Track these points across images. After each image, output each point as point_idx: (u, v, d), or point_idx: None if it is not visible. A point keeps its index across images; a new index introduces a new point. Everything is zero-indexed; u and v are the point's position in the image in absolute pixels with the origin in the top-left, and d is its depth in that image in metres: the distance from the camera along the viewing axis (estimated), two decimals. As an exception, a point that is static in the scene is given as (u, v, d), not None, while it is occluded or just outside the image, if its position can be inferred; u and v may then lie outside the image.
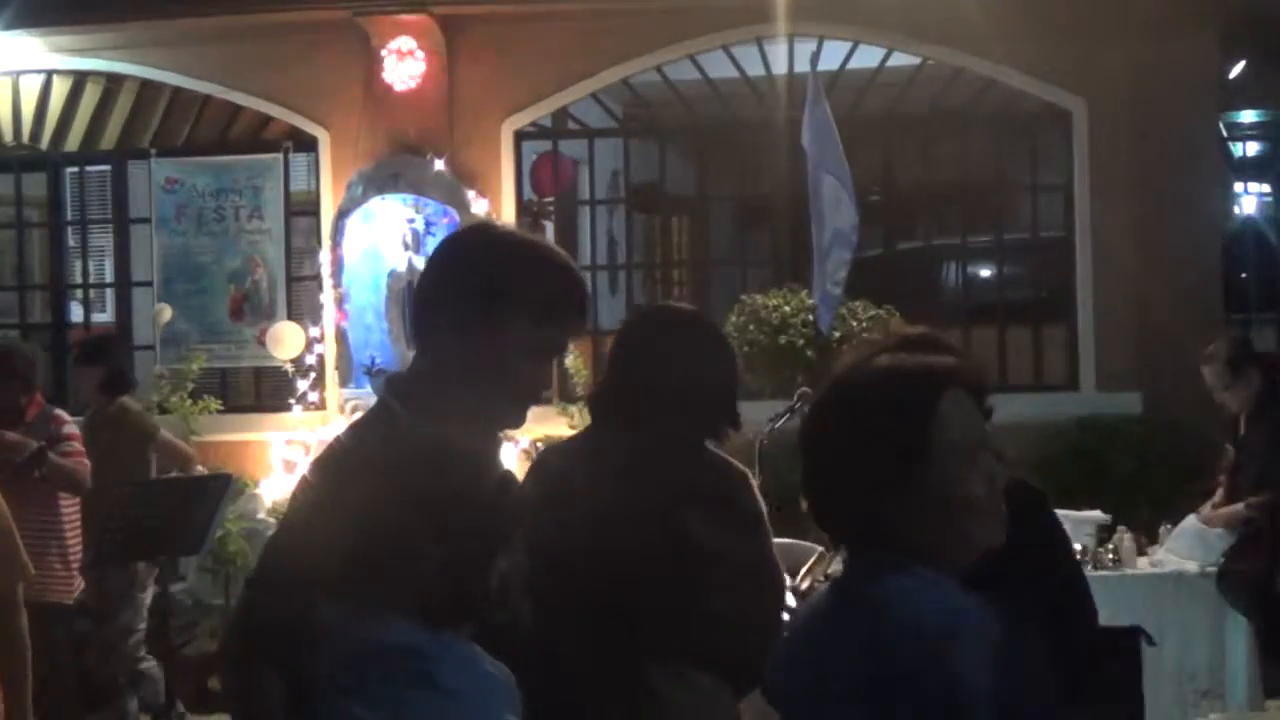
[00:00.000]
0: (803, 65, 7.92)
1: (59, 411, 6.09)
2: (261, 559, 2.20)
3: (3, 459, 5.63)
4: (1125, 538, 6.05)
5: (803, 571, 4.12)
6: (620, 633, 2.58)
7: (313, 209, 8.83)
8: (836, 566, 3.62)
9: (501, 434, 2.32)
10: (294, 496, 2.22)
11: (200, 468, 6.91)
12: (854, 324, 7.46)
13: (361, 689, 1.89)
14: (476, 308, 2.14)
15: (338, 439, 2.20)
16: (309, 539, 2.01)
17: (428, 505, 1.91)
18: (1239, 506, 5.82)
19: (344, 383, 8.32)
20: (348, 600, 1.93)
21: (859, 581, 1.78)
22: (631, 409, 2.75)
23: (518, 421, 2.21)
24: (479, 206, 8.26)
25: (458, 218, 8.16)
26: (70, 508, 5.89)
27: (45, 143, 9.24)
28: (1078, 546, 5.43)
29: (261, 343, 8.53)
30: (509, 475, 2.08)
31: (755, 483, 2.87)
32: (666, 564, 2.59)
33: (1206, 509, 5.97)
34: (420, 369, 2.22)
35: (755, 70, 8.53)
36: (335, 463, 2.13)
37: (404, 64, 8.31)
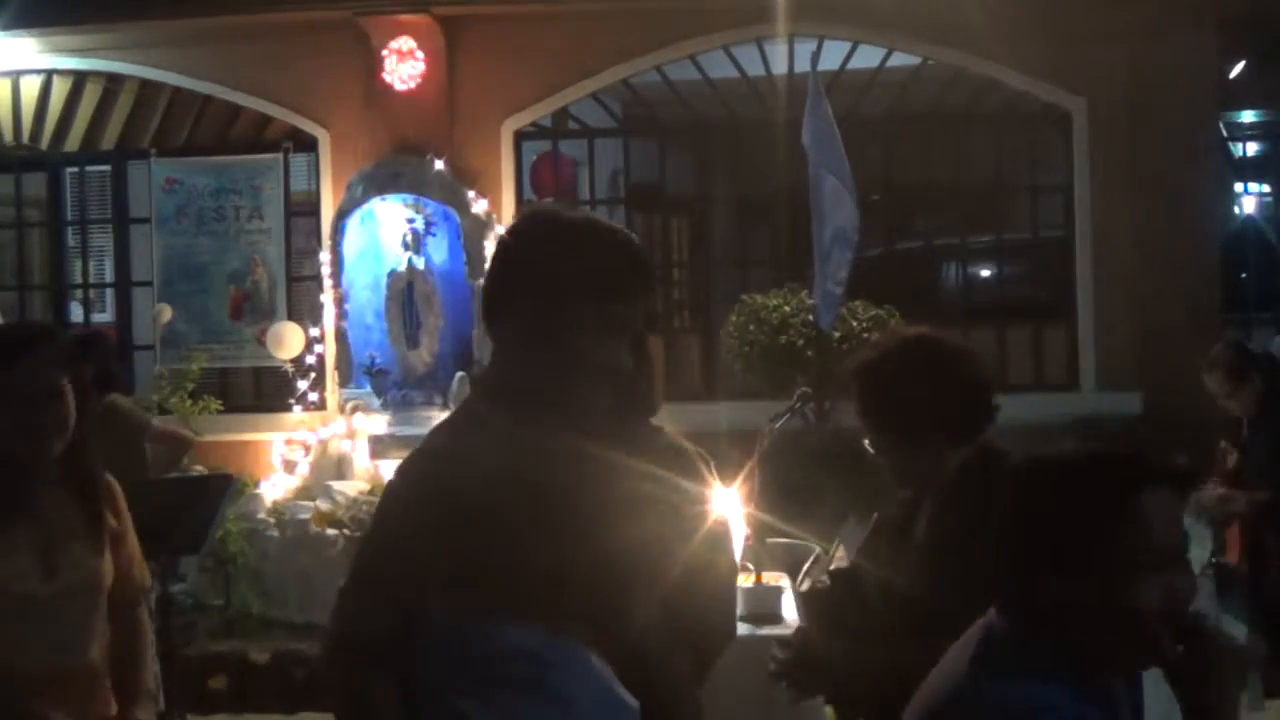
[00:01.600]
0: (803, 65, 7.92)
1: None
2: (359, 562, 2.14)
3: None
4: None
5: (802, 572, 4.13)
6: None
7: (313, 209, 8.84)
8: (840, 562, 3.61)
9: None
10: (387, 500, 2.18)
11: (199, 467, 6.90)
12: (854, 324, 7.46)
13: (475, 692, 1.85)
14: (542, 296, 2.11)
15: (430, 442, 2.17)
16: (418, 542, 1.98)
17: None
18: (1237, 494, 5.84)
19: (344, 383, 8.31)
20: (462, 602, 1.88)
21: (990, 664, 1.71)
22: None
23: (604, 402, 2.15)
24: (479, 206, 8.27)
25: (458, 218, 8.17)
26: None
27: (45, 143, 9.24)
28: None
29: (261, 343, 8.53)
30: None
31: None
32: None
33: (1208, 491, 5.94)
34: (500, 365, 2.19)
35: (755, 70, 8.53)
36: (432, 465, 2.10)
37: (404, 64, 8.32)
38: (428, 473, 2.09)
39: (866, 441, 2.76)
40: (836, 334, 7.31)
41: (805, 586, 3.89)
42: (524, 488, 1.95)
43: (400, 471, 2.14)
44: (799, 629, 2.98)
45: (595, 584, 1.95)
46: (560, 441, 2.01)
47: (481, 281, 8.06)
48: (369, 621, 2.03)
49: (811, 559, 4.16)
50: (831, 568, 3.32)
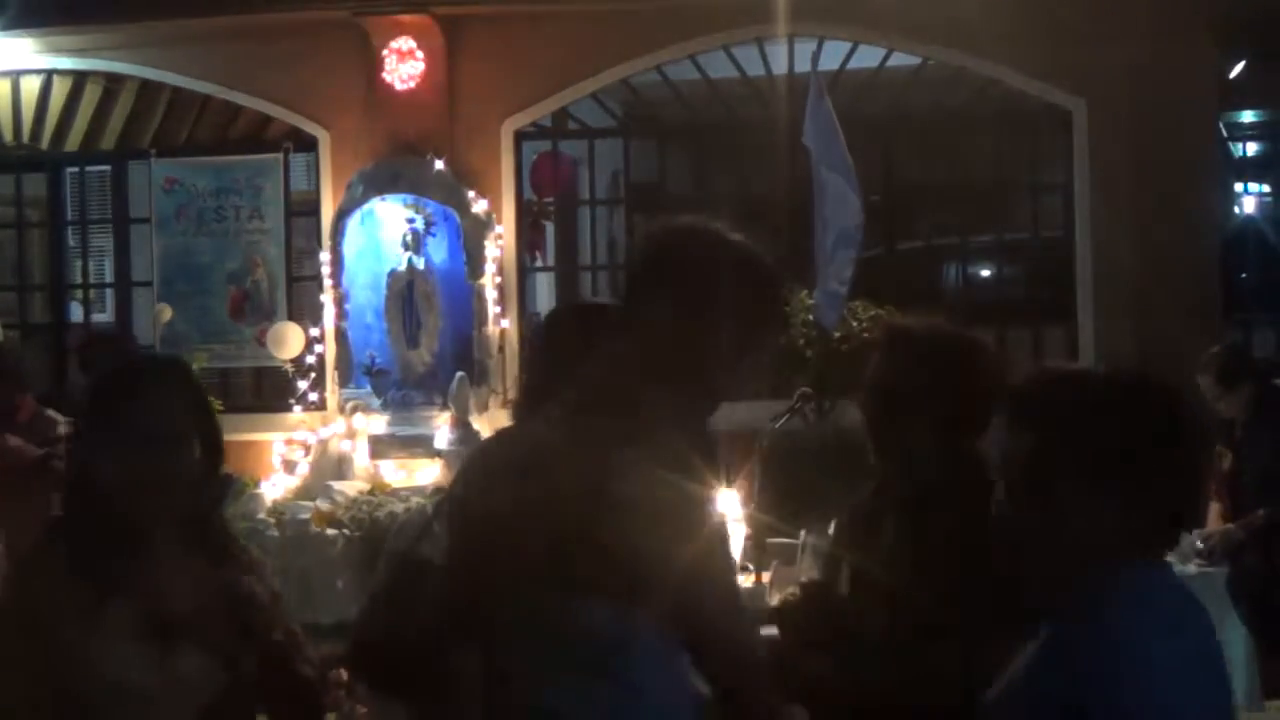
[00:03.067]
0: (803, 65, 7.92)
1: (50, 413, 6.08)
2: (451, 546, 2.19)
3: (7, 464, 5.62)
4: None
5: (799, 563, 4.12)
6: None
7: (313, 209, 8.84)
8: (810, 571, 3.59)
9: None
10: (474, 484, 2.20)
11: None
12: (854, 324, 7.46)
13: (552, 677, 1.85)
14: (688, 310, 2.12)
15: (535, 430, 2.23)
16: (507, 527, 2.00)
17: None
18: (1232, 529, 5.87)
19: (344, 383, 8.31)
20: (545, 587, 1.89)
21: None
22: None
23: (706, 419, 2.19)
24: (479, 206, 8.27)
25: (458, 218, 8.17)
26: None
27: (45, 143, 9.24)
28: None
29: (261, 343, 8.53)
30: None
31: None
32: None
33: (1212, 519, 5.95)
34: (621, 366, 2.19)
35: (755, 70, 8.53)
36: (527, 455, 2.14)
37: (404, 64, 8.32)
38: (516, 463, 2.13)
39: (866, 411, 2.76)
40: (837, 334, 7.31)
41: (775, 600, 3.83)
42: (601, 494, 1.95)
43: (483, 452, 2.16)
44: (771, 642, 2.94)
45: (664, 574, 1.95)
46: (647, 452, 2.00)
47: (482, 281, 8.15)
48: (459, 600, 2.07)
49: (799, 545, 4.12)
50: (802, 579, 3.27)
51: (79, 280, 9.61)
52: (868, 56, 8.43)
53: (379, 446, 7.85)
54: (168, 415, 2.25)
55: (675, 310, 2.13)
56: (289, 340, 8.37)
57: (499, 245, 8.39)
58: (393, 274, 8.20)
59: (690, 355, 2.12)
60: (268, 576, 2.38)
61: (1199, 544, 5.84)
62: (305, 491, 7.68)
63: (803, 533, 4.01)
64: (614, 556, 1.88)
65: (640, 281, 2.22)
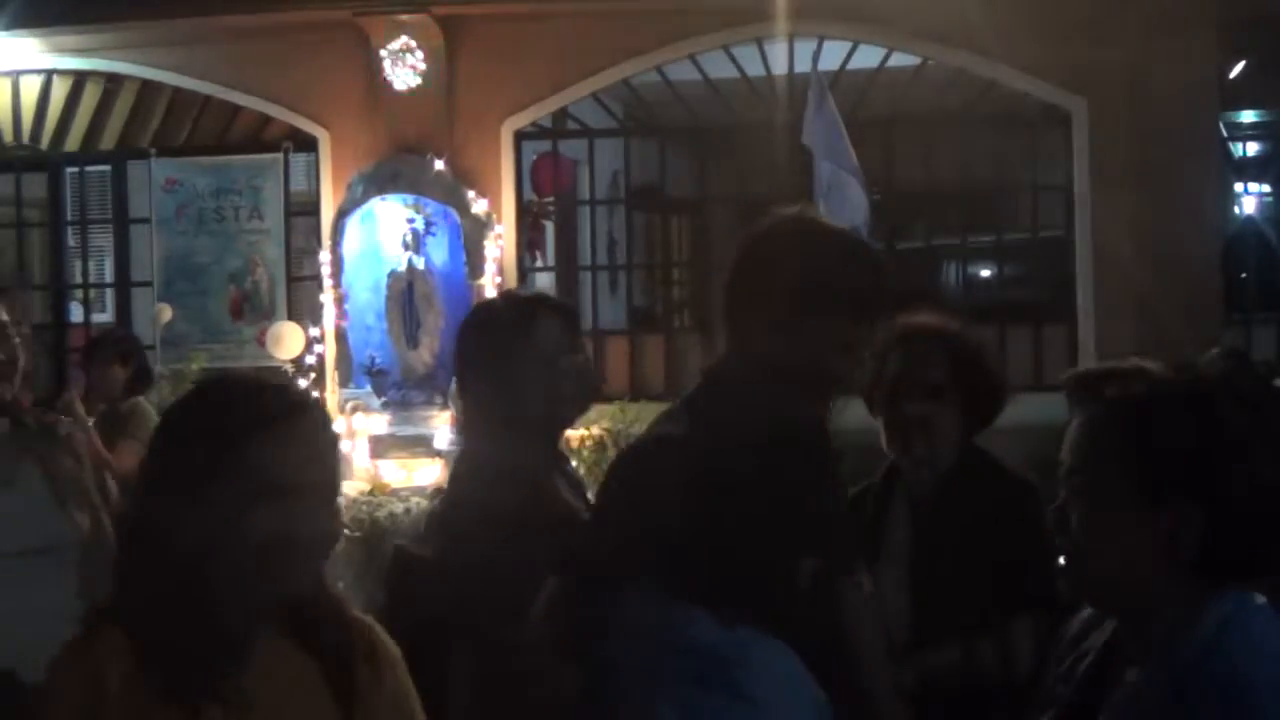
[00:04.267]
0: (803, 65, 7.92)
1: (51, 413, 6.07)
2: (576, 549, 2.17)
3: None
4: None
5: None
6: None
7: (313, 209, 8.84)
8: None
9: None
10: (604, 486, 2.20)
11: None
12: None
13: (661, 686, 1.79)
14: (794, 303, 2.14)
15: (653, 432, 2.21)
16: (620, 530, 1.98)
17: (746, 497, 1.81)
18: None
19: (344, 383, 8.31)
20: (656, 592, 1.84)
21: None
22: None
23: (817, 413, 2.20)
24: (479, 206, 8.27)
25: (458, 218, 8.17)
26: None
27: (45, 143, 9.24)
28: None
29: (261, 343, 8.53)
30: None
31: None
32: None
33: None
34: (731, 363, 2.21)
35: (755, 70, 8.53)
36: (645, 453, 2.13)
37: (404, 64, 8.31)
38: (634, 463, 2.12)
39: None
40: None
41: None
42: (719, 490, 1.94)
43: (624, 462, 2.16)
44: None
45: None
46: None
47: (481, 281, 8.15)
48: (574, 603, 2.04)
49: None
50: None
51: (79, 280, 9.61)
52: (868, 56, 8.44)
53: (379, 446, 7.86)
54: (317, 461, 1.68)
55: (789, 308, 2.14)
56: (289, 340, 8.37)
57: (499, 245, 8.39)
58: (393, 274, 8.20)
59: (807, 351, 2.14)
60: (385, 651, 1.82)
61: None
62: (305, 491, 7.67)
63: None
64: (731, 565, 1.86)
65: (744, 281, 2.24)
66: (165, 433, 1.73)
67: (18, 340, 2.86)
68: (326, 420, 1.75)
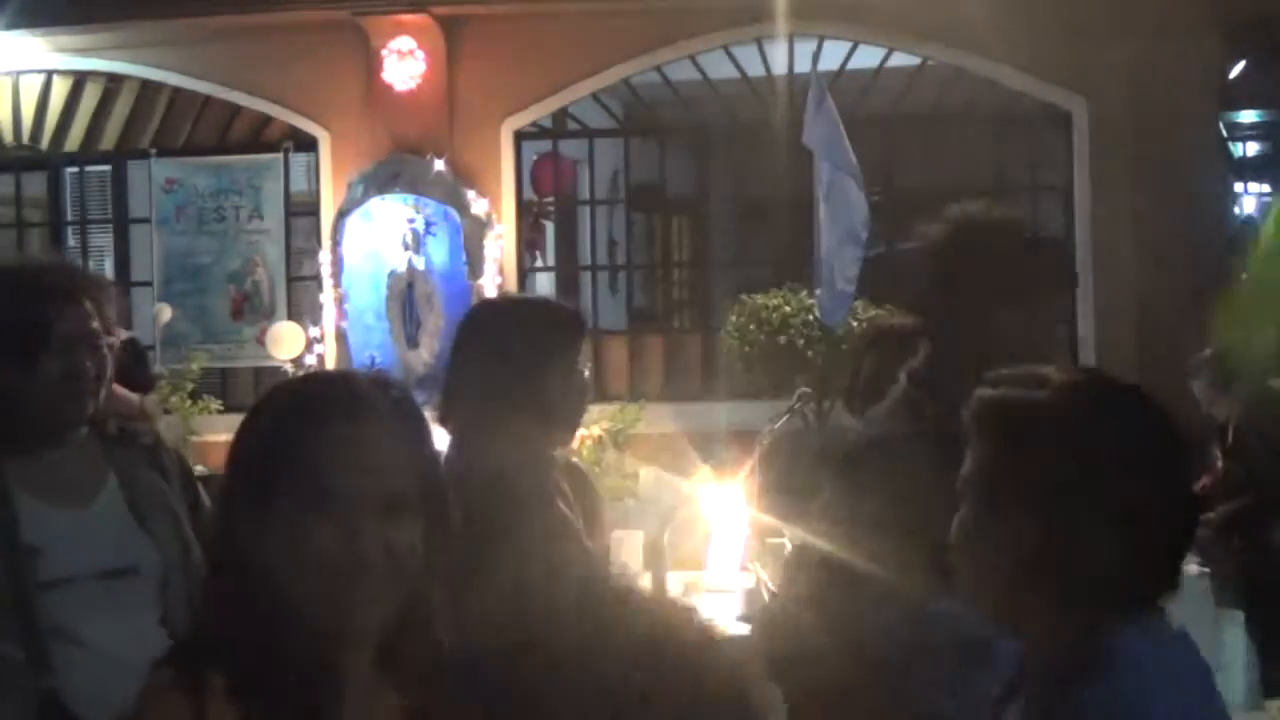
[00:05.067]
0: (803, 65, 7.92)
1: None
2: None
3: None
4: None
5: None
6: None
7: (313, 209, 8.84)
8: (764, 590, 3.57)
9: None
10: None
11: (200, 468, 6.86)
12: (854, 324, 7.45)
13: (936, 679, 1.84)
14: (1001, 296, 2.38)
15: (865, 435, 2.40)
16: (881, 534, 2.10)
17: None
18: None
19: (344, 383, 8.30)
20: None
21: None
22: None
23: None
24: (479, 206, 8.27)
25: (458, 218, 8.17)
26: None
27: (45, 143, 9.24)
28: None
29: (261, 343, 8.53)
30: None
31: None
32: None
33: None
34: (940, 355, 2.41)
35: (755, 70, 8.53)
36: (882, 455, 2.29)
37: (404, 64, 8.31)
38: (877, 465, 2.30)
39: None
40: (839, 332, 7.31)
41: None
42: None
43: (847, 463, 2.27)
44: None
45: None
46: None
47: (482, 281, 8.15)
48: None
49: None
50: (760, 609, 3.20)
51: (79, 280, 9.59)
52: (868, 56, 8.44)
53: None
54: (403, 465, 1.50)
55: (991, 298, 2.38)
56: (289, 340, 8.37)
57: (499, 245, 8.39)
58: (393, 274, 8.20)
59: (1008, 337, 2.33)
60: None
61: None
62: (305, 491, 7.67)
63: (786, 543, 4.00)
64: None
65: (942, 272, 2.53)
66: (236, 436, 1.57)
67: (106, 351, 2.59)
68: (404, 417, 1.57)
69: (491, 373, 2.67)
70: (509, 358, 2.67)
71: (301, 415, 1.49)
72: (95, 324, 2.57)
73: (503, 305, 3.48)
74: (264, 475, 1.47)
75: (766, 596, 2.94)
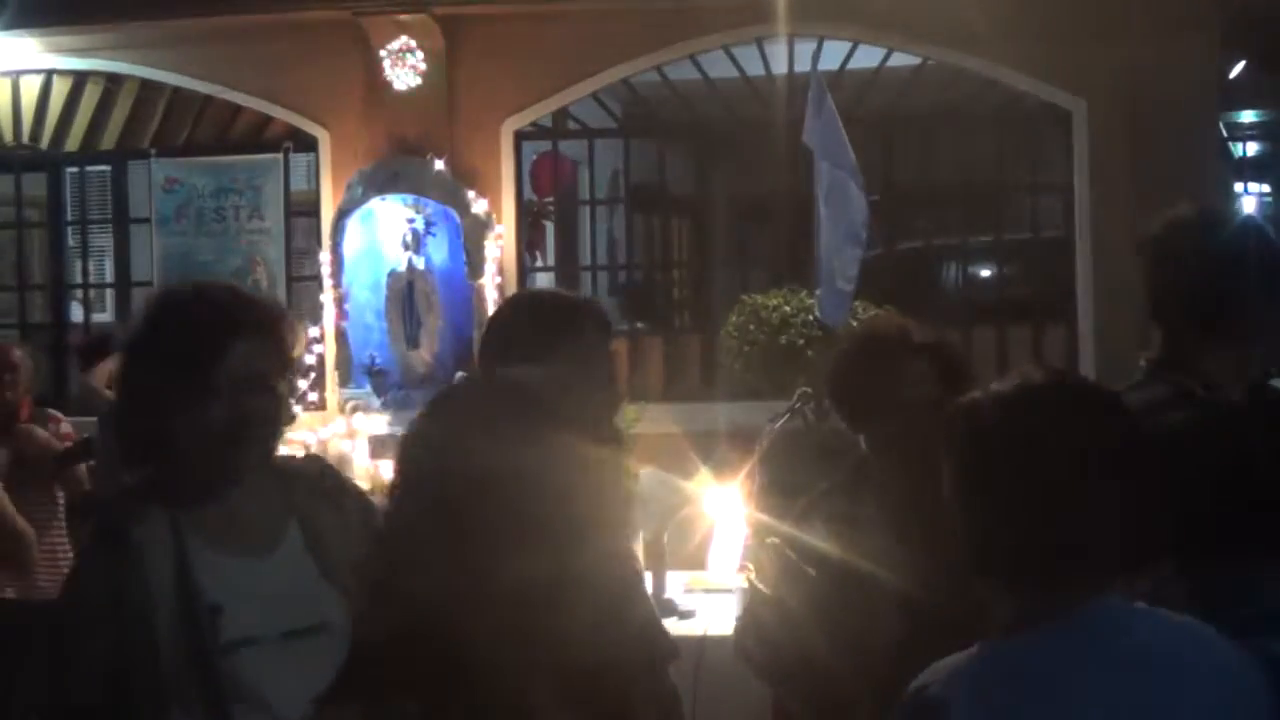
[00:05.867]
0: (803, 65, 7.92)
1: (53, 411, 6.10)
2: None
3: (37, 452, 5.66)
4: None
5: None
6: None
7: (313, 209, 8.84)
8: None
9: None
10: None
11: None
12: (854, 324, 7.44)
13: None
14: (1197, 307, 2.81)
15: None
16: None
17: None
18: None
19: (344, 383, 8.31)
20: None
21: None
22: None
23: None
24: (479, 206, 8.27)
25: (458, 218, 8.17)
26: (60, 506, 5.89)
27: (45, 143, 9.24)
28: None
29: (261, 343, 8.51)
30: None
31: None
32: None
33: None
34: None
35: (755, 70, 8.53)
36: None
37: (404, 64, 8.31)
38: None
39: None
40: (839, 332, 7.31)
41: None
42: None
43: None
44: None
45: None
46: None
47: (482, 281, 8.14)
48: None
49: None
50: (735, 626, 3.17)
51: (79, 280, 9.60)
52: (868, 56, 8.43)
53: (379, 446, 7.84)
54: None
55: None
56: (289, 340, 8.36)
57: (499, 245, 8.39)
58: (393, 274, 8.20)
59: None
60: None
61: None
62: (305, 491, 7.67)
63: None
64: None
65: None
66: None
67: (284, 391, 2.38)
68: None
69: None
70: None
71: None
72: (268, 362, 2.42)
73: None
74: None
75: (755, 597, 2.94)
